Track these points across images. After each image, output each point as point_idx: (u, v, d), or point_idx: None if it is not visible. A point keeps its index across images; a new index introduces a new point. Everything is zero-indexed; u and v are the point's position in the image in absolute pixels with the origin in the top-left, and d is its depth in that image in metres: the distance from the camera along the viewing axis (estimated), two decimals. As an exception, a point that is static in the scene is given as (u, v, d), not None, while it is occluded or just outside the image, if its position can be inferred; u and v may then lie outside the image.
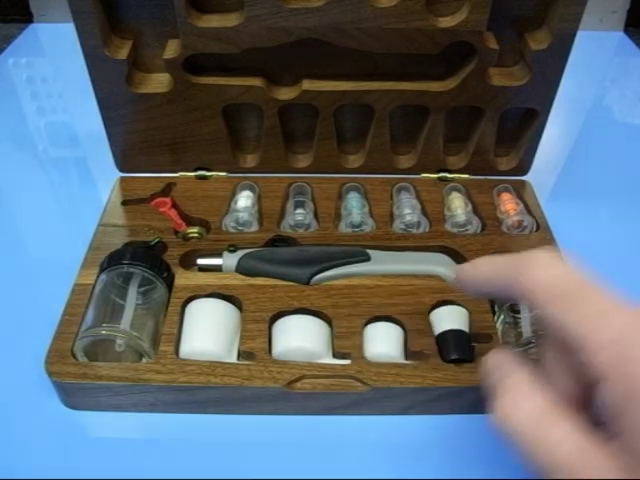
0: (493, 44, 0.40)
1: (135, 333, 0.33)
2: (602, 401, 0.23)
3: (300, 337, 0.34)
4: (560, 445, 0.23)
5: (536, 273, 0.25)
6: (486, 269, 0.28)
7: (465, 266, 0.29)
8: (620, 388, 0.22)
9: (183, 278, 0.38)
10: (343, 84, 0.42)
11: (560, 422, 0.24)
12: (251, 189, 0.46)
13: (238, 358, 0.34)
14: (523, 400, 0.25)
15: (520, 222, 0.43)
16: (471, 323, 0.35)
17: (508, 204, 0.45)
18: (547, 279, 0.25)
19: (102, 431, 0.33)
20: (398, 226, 0.43)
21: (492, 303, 0.37)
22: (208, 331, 0.34)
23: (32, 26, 0.77)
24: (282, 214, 0.44)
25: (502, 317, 0.36)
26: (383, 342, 0.35)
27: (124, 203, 0.45)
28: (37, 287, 0.41)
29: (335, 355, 0.34)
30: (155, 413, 0.33)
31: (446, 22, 0.39)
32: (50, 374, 0.32)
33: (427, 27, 0.38)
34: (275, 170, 0.47)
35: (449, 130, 0.46)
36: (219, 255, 0.39)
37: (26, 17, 0.77)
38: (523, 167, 0.48)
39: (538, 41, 0.41)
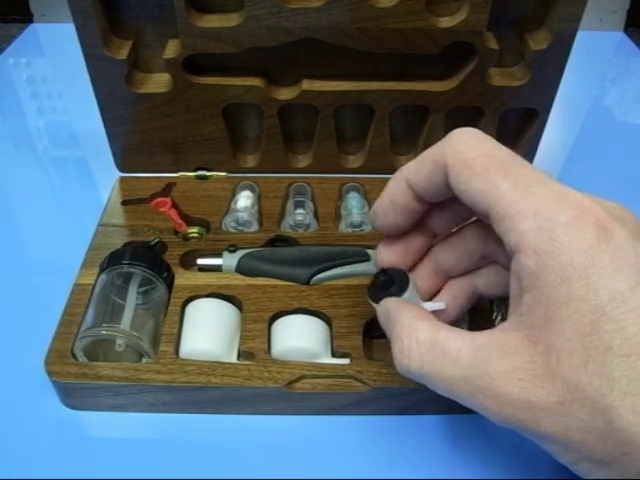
0: (493, 44, 0.40)
1: (135, 333, 0.33)
2: (514, 273, 0.24)
3: (299, 337, 0.34)
4: (460, 353, 0.24)
5: (457, 148, 0.26)
6: (421, 175, 0.27)
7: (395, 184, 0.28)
8: (531, 262, 0.23)
9: (183, 278, 0.38)
10: (343, 84, 0.42)
11: (451, 335, 0.25)
12: (251, 189, 0.46)
13: (238, 358, 0.34)
14: (413, 341, 0.26)
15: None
16: (470, 322, 0.35)
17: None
18: (471, 152, 0.25)
19: (102, 431, 0.33)
20: (398, 226, 0.43)
21: (491, 302, 0.37)
22: (208, 331, 0.34)
23: (32, 26, 0.77)
24: (282, 214, 0.44)
25: (500, 316, 0.36)
26: None
27: (124, 203, 0.45)
28: (37, 287, 0.41)
29: (334, 355, 0.34)
30: (155, 413, 0.33)
31: (446, 22, 0.39)
32: (50, 374, 0.32)
33: (427, 27, 0.38)
34: (275, 170, 0.47)
35: (449, 130, 0.46)
36: (219, 255, 0.39)
37: (26, 17, 0.77)
38: (523, 167, 0.48)
39: (538, 41, 0.41)
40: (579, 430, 0.22)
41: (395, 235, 0.30)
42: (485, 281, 0.31)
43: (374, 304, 0.30)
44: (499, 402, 0.23)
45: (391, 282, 0.30)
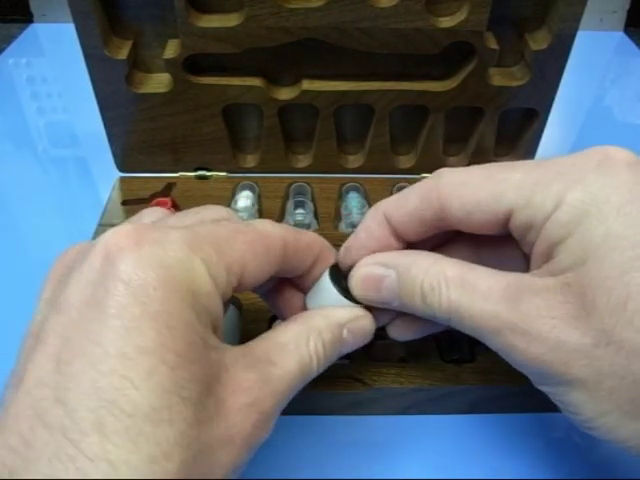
0: (493, 44, 0.40)
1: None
2: (542, 237, 0.22)
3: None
4: (490, 291, 0.22)
5: (450, 177, 0.25)
6: (404, 210, 0.26)
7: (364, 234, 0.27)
8: (566, 215, 0.21)
9: (183, 278, 0.38)
10: (343, 84, 0.42)
11: (480, 272, 0.23)
12: (251, 189, 0.46)
13: (238, 358, 0.34)
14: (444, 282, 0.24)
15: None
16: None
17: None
18: (466, 173, 0.24)
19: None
20: (398, 226, 0.43)
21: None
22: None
23: (32, 26, 0.77)
24: (282, 214, 0.44)
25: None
26: None
27: (124, 203, 0.45)
28: (37, 288, 0.41)
29: (335, 355, 0.34)
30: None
31: (446, 22, 0.39)
32: (50, 374, 0.32)
33: (427, 27, 0.38)
34: (275, 170, 0.47)
35: (449, 130, 0.46)
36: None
37: (26, 17, 0.77)
38: (523, 167, 0.48)
39: (538, 41, 0.41)
40: (612, 375, 0.20)
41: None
42: None
43: (337, 292, 0.27)
44: (527, 340, 0.21)
45: None
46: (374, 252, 0.27)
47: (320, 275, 0.27)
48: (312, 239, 0.26)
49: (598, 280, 0.20)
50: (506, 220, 0.23)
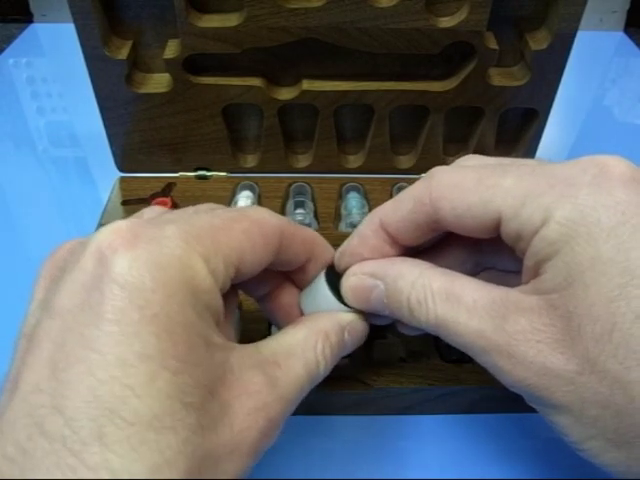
0: (493, 44, 0.40)
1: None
2: (531, 252, 0.22)
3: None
4: (476, 305, 0.22)
5: (441, 178, 0.24)
6: (399, 215, 0.25)
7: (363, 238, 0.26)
8: (554, 233, 0.20)
9: (183, 278, 0.38)
10: (343, 84, 0.42)
11: (466, 285, 0.23)
12: (251, 189, 0.46)
13: (238, 358, 0.34)
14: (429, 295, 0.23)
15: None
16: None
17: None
18: (457, 175, 0.23)
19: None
20: (398, 226, 0.43)
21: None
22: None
23: (32, 26, 0.77)
24: (282, 214, 0.44)
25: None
26: None
27: (124, 203, 0.45)
28: (37, 287, 0.41)
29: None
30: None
31: (446, 22, 0.39)
32: (50, 374, 0.32)
33: (427, 27, 0.38)
34: (275, 170, 0.47)
35: (449, 130, 0.46)
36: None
37: (26, 17, 0.77)
38: (523, 167, 0.48)
39: (538, 41, 0.41)
40: (595, 404, 0.20)
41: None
42: None
43: (333, 296, 0.27)
44: (512, 362, 0.21)
45: None
46: (367, 258, 0.26)
47: (316, 276, 0.27)
48: (308, 235, 0.26)
49: (584, 307, 0.19)
50: (496, 226, 0.23)
